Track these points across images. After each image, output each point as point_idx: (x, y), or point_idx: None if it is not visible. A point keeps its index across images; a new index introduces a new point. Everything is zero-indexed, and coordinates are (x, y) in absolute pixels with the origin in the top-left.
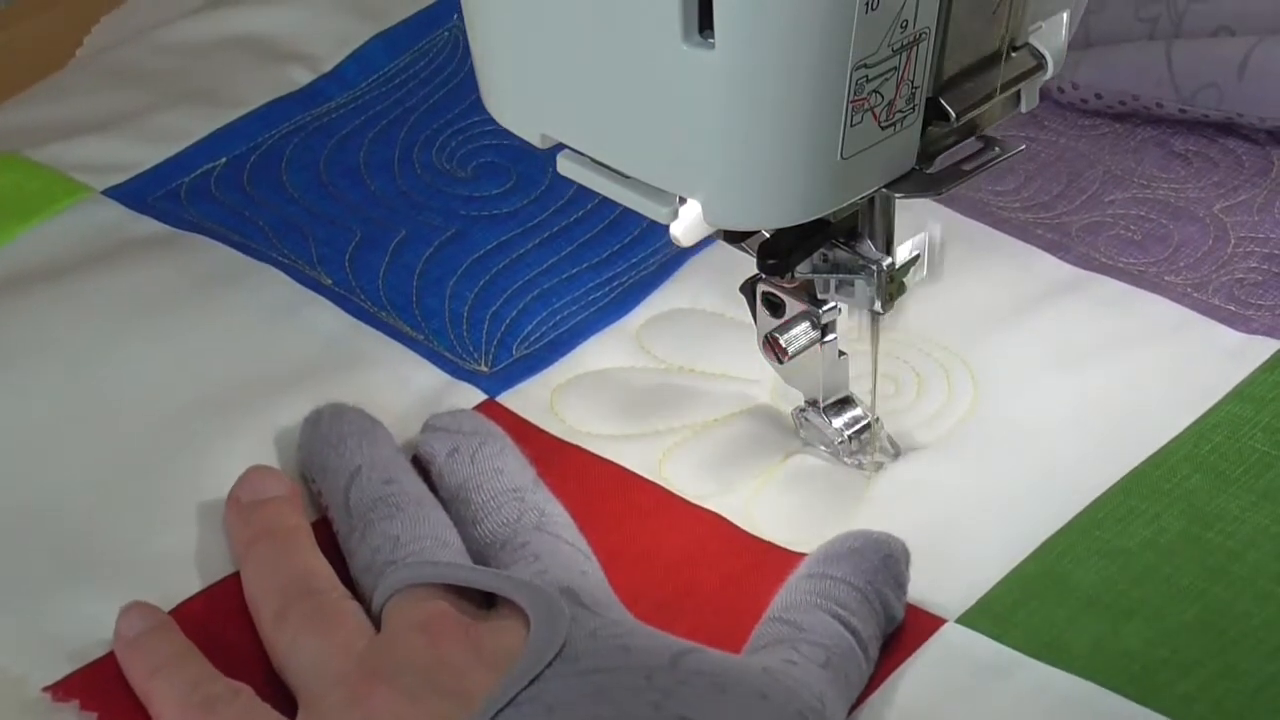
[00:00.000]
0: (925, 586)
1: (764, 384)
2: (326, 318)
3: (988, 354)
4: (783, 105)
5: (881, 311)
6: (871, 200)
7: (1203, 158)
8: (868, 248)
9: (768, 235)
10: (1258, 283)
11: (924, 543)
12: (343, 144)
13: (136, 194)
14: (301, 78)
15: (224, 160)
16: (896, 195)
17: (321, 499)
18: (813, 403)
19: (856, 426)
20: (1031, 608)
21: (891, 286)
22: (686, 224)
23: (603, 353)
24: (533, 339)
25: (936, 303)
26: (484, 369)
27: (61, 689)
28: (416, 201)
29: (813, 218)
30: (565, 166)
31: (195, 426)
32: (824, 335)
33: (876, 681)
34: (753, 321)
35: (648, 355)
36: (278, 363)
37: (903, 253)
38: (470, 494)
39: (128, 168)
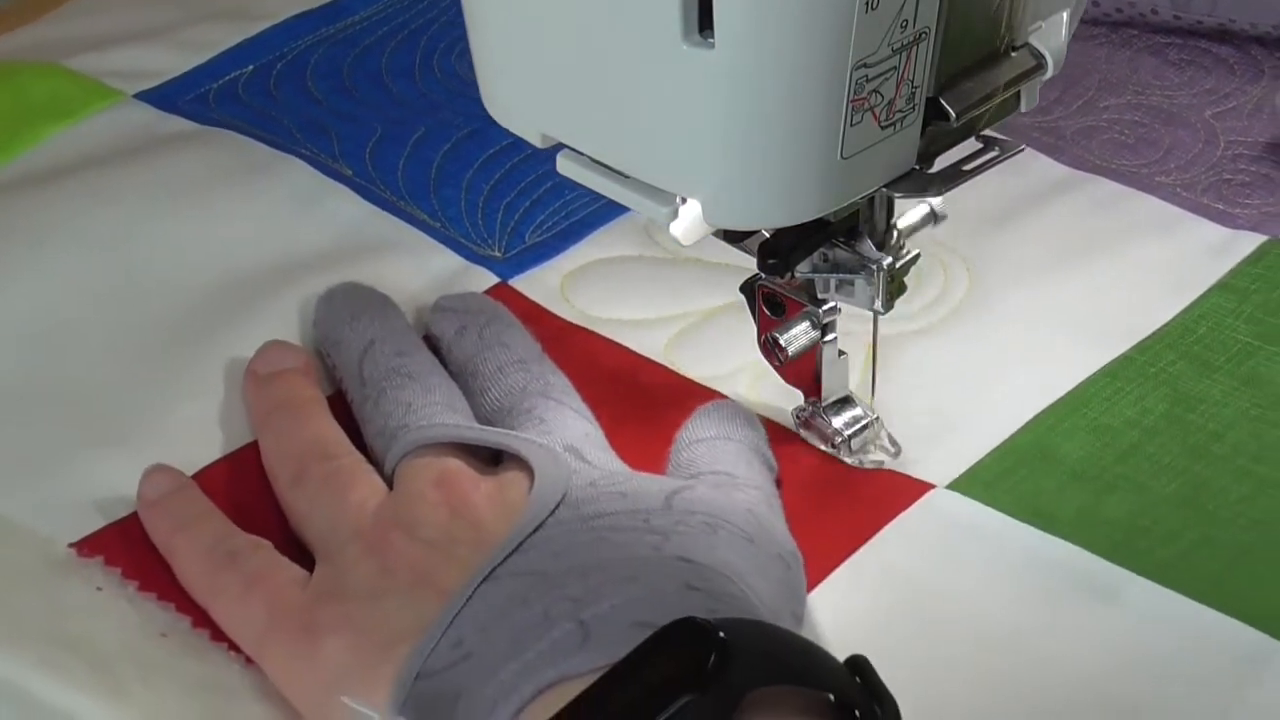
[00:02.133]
0: (916, 459)
1: None
2: (347, 205)
3: (983, 248)
4: (783, 105)
5: (882, 311)
6: (871, 200)
7: (1196, 65)
8: (868, 248)
9: (768, 235)
10: (1245, 183)
11: (917, 419)
12: (366, 52)
13: (167, 98)
14: None
15: (251, 68)
16: (896, 195)
17: (336, 372)
18: (813, 402)
19: (856, 426)
20: (1019, 476)
21: (892, 286)
22: (686, 224)
23: (613, 242)
24: (545, 227)
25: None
26: (498, 255)
27: (87, 545)
28: (436, 102)
29: (813, 218)
30: (565, 166)
31: (219, 305)
32: (824, 335)
33: (864, 537)
34: (753, 321)
35: (656, 245)
36: (300, 246)
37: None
38: (478, 365)
39: (158, 74)
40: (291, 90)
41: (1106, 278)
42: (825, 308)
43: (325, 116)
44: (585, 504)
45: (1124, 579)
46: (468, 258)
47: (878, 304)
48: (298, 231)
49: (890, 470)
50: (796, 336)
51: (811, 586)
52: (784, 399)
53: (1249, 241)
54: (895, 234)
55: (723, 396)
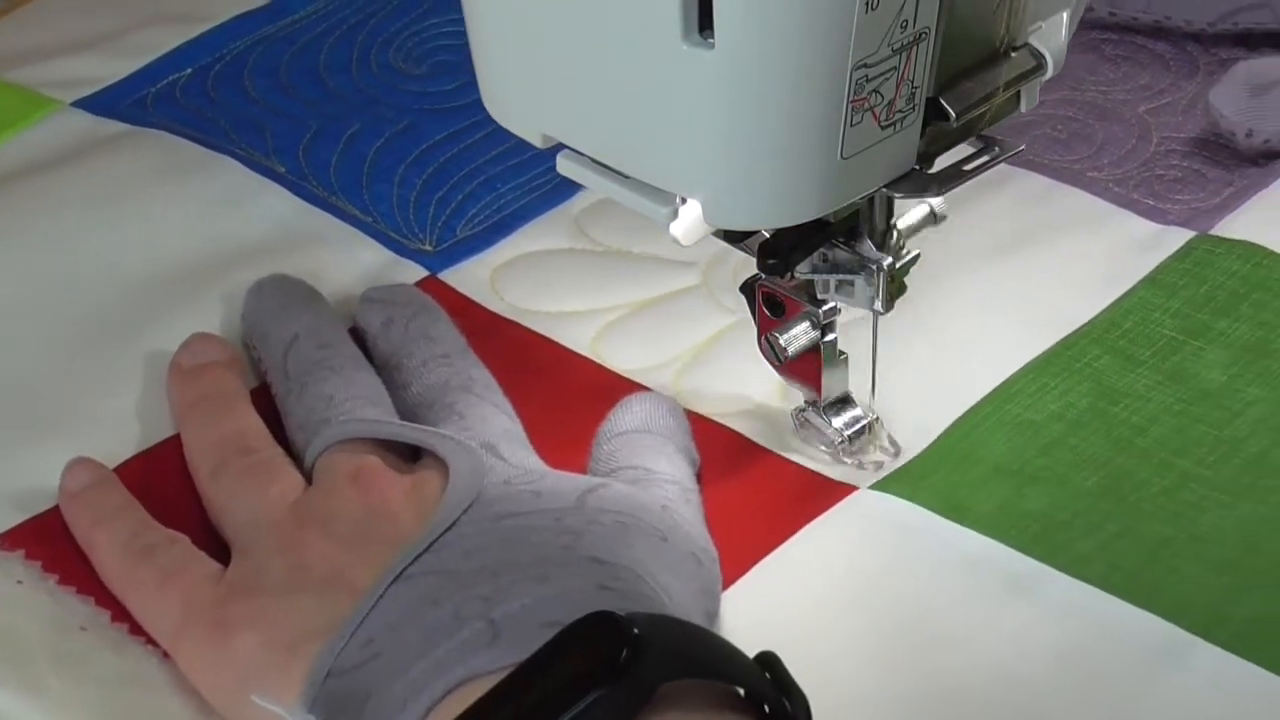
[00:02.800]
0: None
1: (697, 265)
2: (278, 202)
3: (913, 242)
4: (783, 105)
5: (882, 311)
6: (871, 200)
7: (1131, 61)
8: (868, 248)
9: (768, 235)
10: (1177, 179)
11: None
12: (304, 49)
13: (104, 104)
14: None
15: (189, 70)
16: (896, 195)
17: (261, 365)
18: (812, 403)
19: (856, 426)
20: (941, 474)
21: (892, 286)
22: (686, 224)
23: (543, 235)
24: (477, 221)
25: None
26: (428, 248)
27: (7, 539)
28: (371, 97)
29: (813, 218)
30: (565, 166)
31: (146, 300)
32: (824, 335)
33: (783, 535)
34: (753, 321)
35: (586, 238)
36: (230, 242)
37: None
38: (403, 360)
39: (97, 81)
40: (229, 90)
41: (1037, 272)
42: (825, 308)
43: (261, 114)
44: (499, 502)
45: (1042, 572)
46: (398, 252)
47: (878, 304)
48: (228, 228)
49: (816, 471)
50: (796, 336)
51: (729, 583)
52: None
53: (1178, 237)
54: (895, 234)
55: (648, 390)
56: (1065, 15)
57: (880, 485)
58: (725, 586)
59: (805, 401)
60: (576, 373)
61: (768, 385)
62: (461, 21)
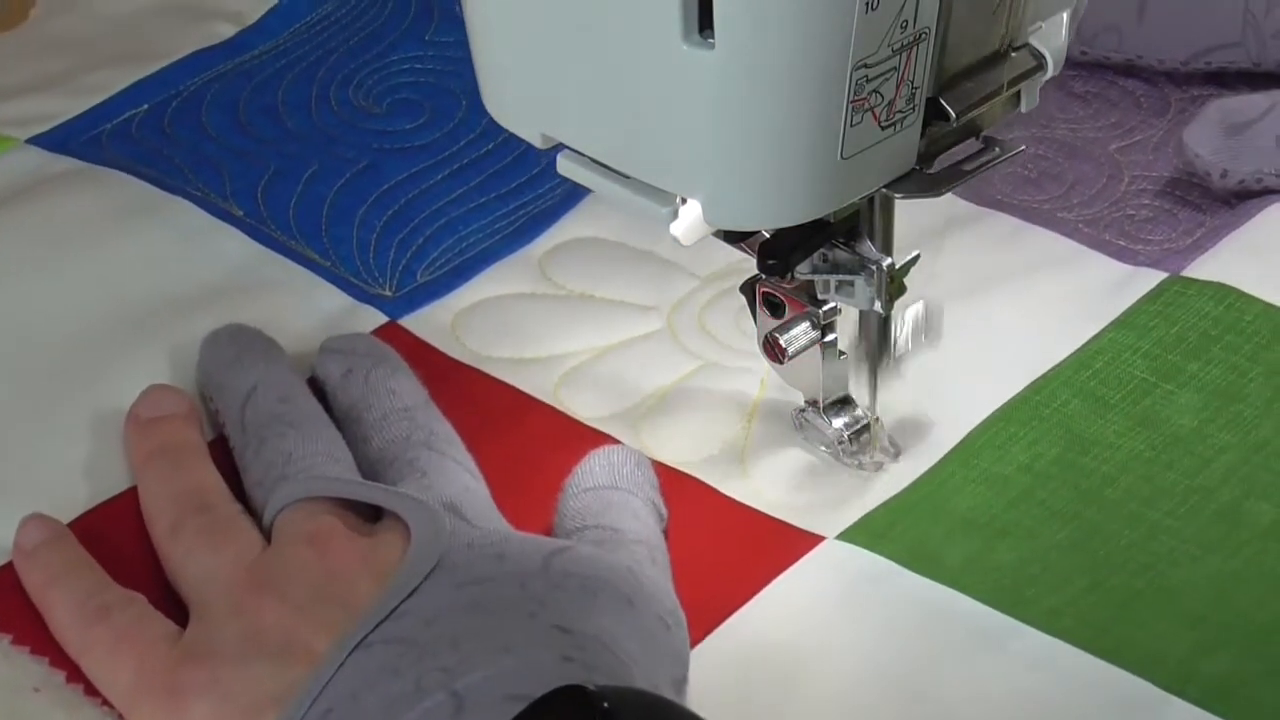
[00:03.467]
0: (806, 509)
1: (660, 310)
2: (235, 245)
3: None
4: (783, 105)
5: (882, 312)
6: (871, 200)
7: (1101, 99)
8: (868, 248)
9: (768, 235)
10: (1148, 219)
11: (806, 469)
12: (262, 86)
13: (59, 141)
14: (227, 31)
15: (145, 107)
16: (896, 195)
17: (218, 417)
18: (812, 403)
19: (856, 426)
20: (908, 526)
21: (892, 287)
22: (686, 224)
23: (505, 279)
24: (437, 265)
25: None
26: (388, 293)
27: None
28: (331, 136)
29: (813, 218)
30: (565, 166)
31: (100, 347)
32: (824, 335)
33: (753, 589)
34: (753, 321)
35: (549, 282)
36: (186, 287)
37: (909, 315)
38: (362, 413)
39: (52, 118)
40: (186, 128)
41: (1005, 315)
42: (825, 308)
43: (219, 153)
44: (461, 568)
45: (1011, 627)
46: (357, 297)
47: (878, 305)
48: (183, 272)
49: (781, 521)
50: (796, 337)
51: (697, 641)
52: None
53: (1149, 278)
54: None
55: (611, 439)
56: (1065, 15)
57: (847, 536)
58: (694, 644)
59: (805, 402)
60: (539, 421)
61: (732, 430)
62: (423, 59)
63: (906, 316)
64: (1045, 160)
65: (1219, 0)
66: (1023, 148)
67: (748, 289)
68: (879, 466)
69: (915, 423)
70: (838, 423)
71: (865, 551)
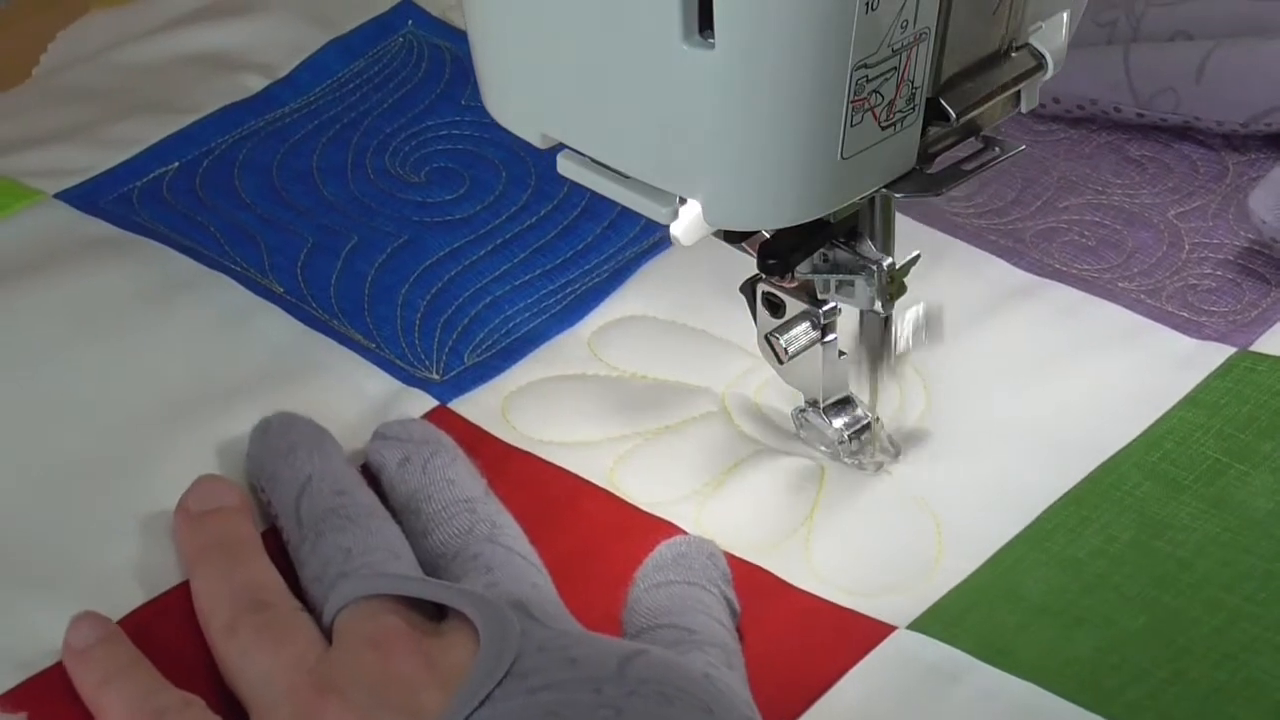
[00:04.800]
0: (874, 594)
1: (714, 391)
2: (278, 325)
3: (941, 361)
4: (783, 105)
5: (882, 312)
6: (871, 200)
7: (1158, 163)
8: (868, 248)
9: (768, 235)
10: (1211, 289)
11: (874, 553)
12: (295, 149)
13: (88, 197)
14: (255, 84)
15: (176, 165)
16: (896, 195)
17: (271, 509)
18: (813, 403)
19: (856, 426)
20: (981, 614)
21: (892, 287)
22: (686, 224)
23: (555, 360)
24: (485, 346)
25: None
26: (436, 376)
27: (10, 700)
28: (369, 207)
29: (813, 218)
30: (565, 166)
31: (144, 435)
32: (824, 335)
33: (825, 684)
34: (753, 321)
35: (600, 362)
36: (228, 371)
37: (908, 318)
38: (421, 504)
39: (80, 172)
40: (219, 192)
41: (1069, 393)
42: (825, 308)
43: (254, 223)
44: (533, 673)
45: None
46: (404, 380)
47: (878, 305)
48: (226, 354)
49: (851, 610)
50: (796, 337)
51: None
52: (784, 401)
53: (1217, 353)
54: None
55: (671, 525)
56: (1065, 15)
57: (918, 625)
58: None
59: (806, 402)
60: (596, 507)
61: (795, 515)
62: (459, 125)
63: (907, 317)
64: (1103, 227)
65: (1279, 61)
66: (1022, 147)
67: (748, 289)
68: (879, 466)
69: (982, 502)
70: (838, 423)
71: (938, 643)
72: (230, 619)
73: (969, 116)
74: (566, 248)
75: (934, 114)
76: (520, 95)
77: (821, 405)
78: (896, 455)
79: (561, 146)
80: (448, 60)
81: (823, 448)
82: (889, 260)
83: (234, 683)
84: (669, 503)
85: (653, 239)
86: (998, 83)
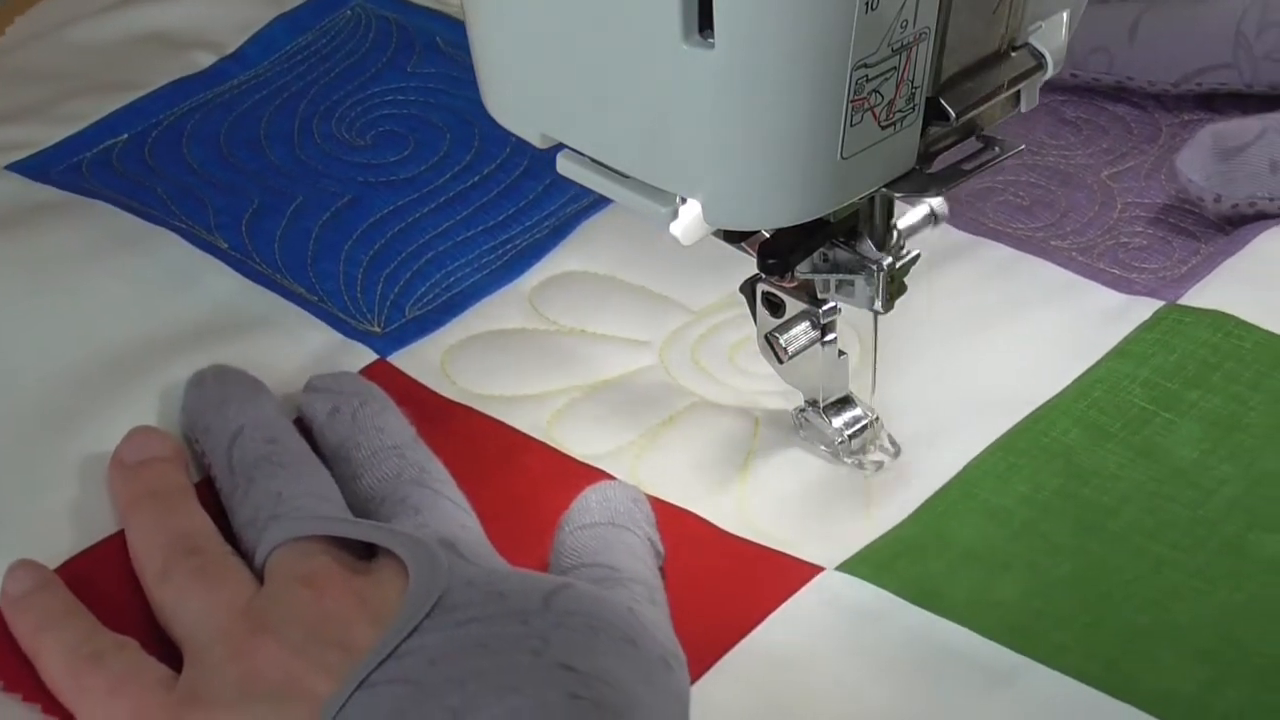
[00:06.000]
0: (804, 541)
1: (653, 345)
2: (221, 280)
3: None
4: (783, 105)
5: (882, 311)
6: (871, 200)
7: (1092, 125)
8: (868, 248)
9: (768, 235)
10: (1142, 246)
11: (806, 501)
12: (243, 117)
13: (39, 168)
14: (205, 60)
15: (126, 136)
16: (896, 195)
17: (205, 459)
18: (812, 403)
19: (856, 426)
20: (910, 558)
21: (892, 286)
22: (686, 224)
23: (495, 314)
24: (426, 300)
25: None
26: (377, 330)
27: None
28: (315, 169)
29: (813, 218)
30: (565, 166)
31: (85, 387)
32: (824, 335)
33: (753, 622)
34: (753, 321)
35: (540, 317)
36: (171, 324)
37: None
38: (351, 451)
39: (32, 145)
40: (167, 158)
41: (1001, 347)
42: (825, 308)
43: (201, 185)
44: (461, 606)
45: (1017, 664)
46: (346, 333)
47: (878, 304)
48: (169, 309)
49: (780, 552)
50: (796, 336)
51: (696, 677)
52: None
53: (1146, 307)
54: (895, 234)
55: (606, 475)
56: (1065, 15)
57: (847, 567)
58: (692, 682)
59: (805, 401)
60: (532, 459)
61: (729, 464)
62: (405, 90)
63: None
64: (1038, 188)
65: (1210, 21)
66: (1022, 146)
67: (748, 289)
68: (879, 466)
69: (913, 452)
70: (838, 422)
71: (866, 584)
72: (164, 565)
73: (969, 116)
74: (508, 205)
75: (934, 114)
76: (520, 95)
77: (821, 405)
78: (896, 454)
79: (561, 146)
80: (394, 30)
81: (822, 447)
82: (889, 260)
83: (169, 626)
84: (605, 455)
85: (593, 196)
86: (997, 82)
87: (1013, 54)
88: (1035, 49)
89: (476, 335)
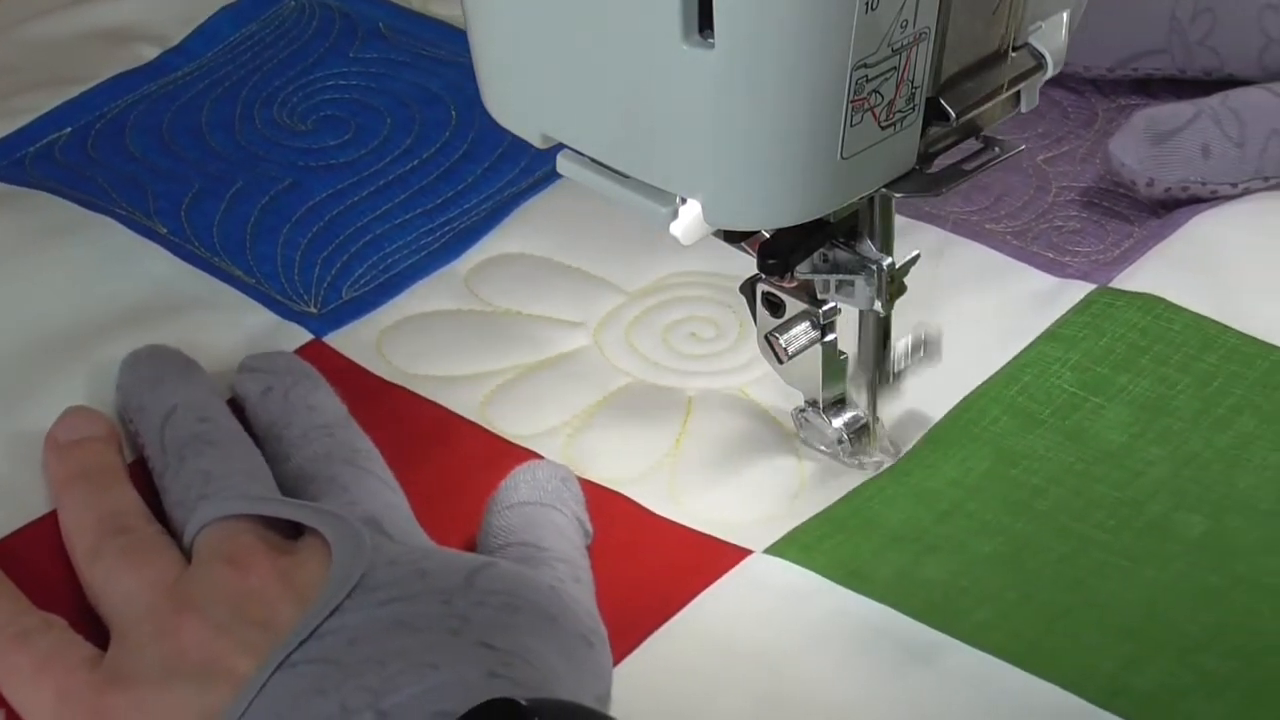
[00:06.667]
0: (733, 524)
1: (587, 326)
2: (160, 264)
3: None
4: (783, 105)
5: (882, 312)
6: (871, 200)
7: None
8: (868, 248)
9: (768, 235)
10: (1076, 230)
11: (737, 484)
12: (186, 107)
13: None
14: (149, 54)
15: (69, 130)
16: (896, 195)
17: (138, 439)
18: (812, 403)
19: (856, 426)
20: (838, 540)
21: (892, 287)
22: (686, 224)
23: (431, 296)
24: (363, 282)
25: None
26: (313, 311)
27: None
28: (255, 155)
29: (813, 218)
30: (565, 166)
31: (20, 370)
32: (824, 335)
33: (680, 603)
34: (753, 321)
35: (475, 299)
36: (107, 306)
37: (900, 348)
38: (282, 430)
39: None
40: (109, 149)
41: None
42: (825, 308)
43: (142, 173)
44: (384, 586)
45: (940, 642)
46: (282, 314)
47: (878, 304)
48: (106, 292)
49: (709, 535)
50: (796, 336)
51: (620, 658)
52: (784, 399)
53: (1078, 290)
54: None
55: (538, 456)
56: (1065, 15)
57: (775, 550)
58: (617, 662)
59: (805, 401)
60: (465, 440)
61: (661, 447)
62: (346, 75)
63: (907, 339)
64: None
65: (1145, 7)
66: (1022, 147)
67: (748, 289)
68: (879, 466)
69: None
70: (838, 422)
71: (794, 566)
72: (94, 544)
73: (969, 116)
74: (447, 188)
75: (934, 114)
76: (520, 95)
77: (821, 405)
78: (896, 455)
79: (561, 146)
80: (337, 18)
81: (822, 447)
82: (889, 260)
83: (98, 605)
84: (538, 436)
85: (531, 179)
86: (997, 83)
87: (1013, 54)
88: (1035, 49)
89: (412, 316)
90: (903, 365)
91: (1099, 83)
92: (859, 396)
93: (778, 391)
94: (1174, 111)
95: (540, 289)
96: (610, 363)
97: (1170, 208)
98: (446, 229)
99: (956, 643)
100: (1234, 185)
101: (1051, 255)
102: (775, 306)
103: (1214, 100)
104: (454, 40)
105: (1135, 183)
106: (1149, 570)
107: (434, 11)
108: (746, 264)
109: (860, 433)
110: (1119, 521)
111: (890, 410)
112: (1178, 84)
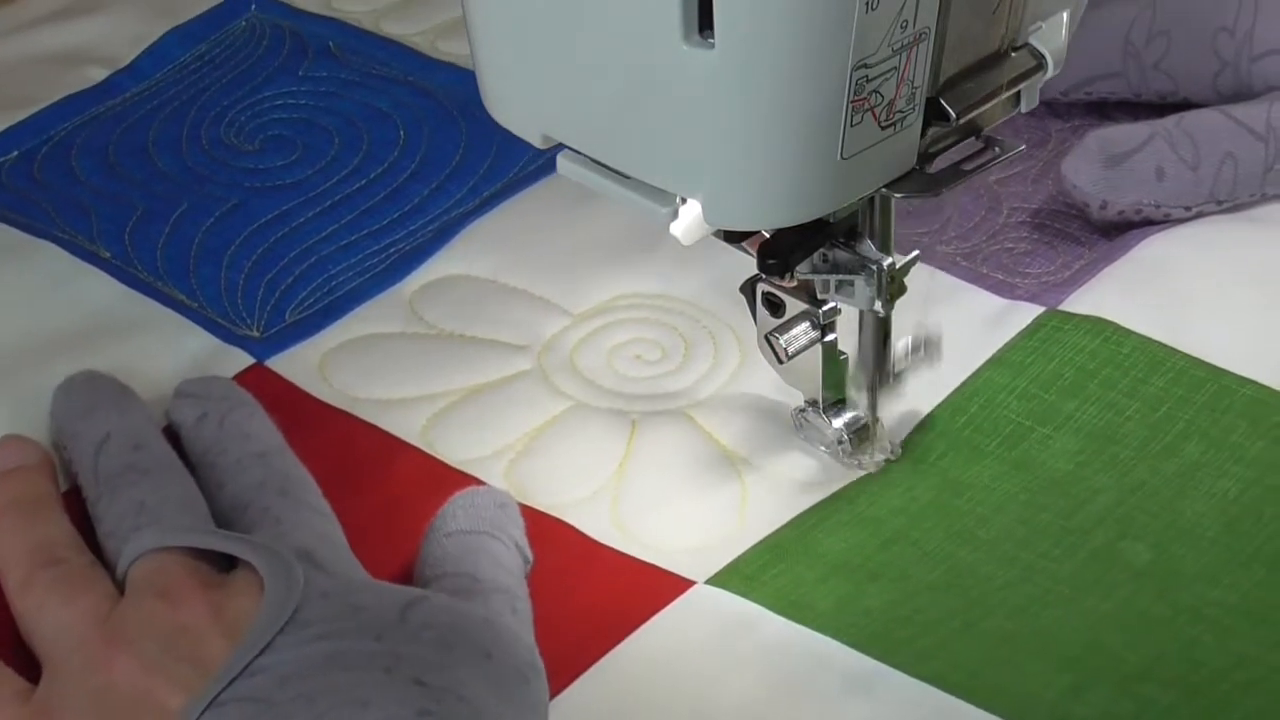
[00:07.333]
0: (675, 552)
1: (531, 350)
2: (100, 288)
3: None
4: (783, 105)
5: (882, 312)
6: (871, 200)
7: None
8: (868, 248)
9: (768, 235)
10: (1026, 251)
11: (679, 511)
12: (133, 128)
13: None
14: (98, 75)
15: (15, 154)
16: (896, 195)
17: (72, 467)
18: (812, 403)
19: (856, 427)
20: (780, 569)
21: (892, 287)
22: (686, 224)
23: (375, 318)
24: (306, 304)
25: (705, 271)
26: (256, 334)
27: None
28: (201, 175)
29: (813, 218)
30: (565, 166)
31: None
32: (824, 335)
33: (621, 635)
34: (753, 321)
35: (419, 321)
36: (44, 332)
37: (900, 348)
38: (216, 458)
39: None
40: (55, 172)
41: None
42: (825, 308)
43: (87, 196)
44: (316, 621)
45: (879, 670)
46: (224, 338)
47: (878, 304)
48: (44, 317)
49: (652, 565)
50: (796, 337)
51: (559, 690)
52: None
53: (1027, 313)
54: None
55: (480, 482)
56: (1065, 15)
57: (717, 580)
58: (556, 694)
59: (805, 401)
60: (406, 464)
61: (604, 472)
62: (296, 95)
63: (907, 339)
64: None
65: (1099, 30)
66: (1022, 147)
67: (748, 289)
68: (879, 466)
69: (790, 461)
70: (837, 423)
71: (736, 597)
72: (26, 575)
73: (969, 116)
74: (393, 209)
75: (934, 114)
76: (520, 95)
77: (821, 405)
78: (896, 455)
79: (561, 146)
80: (287, 38)
81: (822, 448)
82: (889, 260)
83: (29, 637)
84: (480, 460)
85: (478, 200)
86: (997, 83)
87: (1013, 54)
88: (1035, 49)
89: (355, 339)
90: (903, 365)
91: (1052, 104)
92: (859, 397)
93: (722, 415)
94: (1127, 133)
95: (485, 312)
96: (554, 386)
97: (1122, 229)
98: (392, 250)
99: (897, 673)
100: (1187, 209)
101: (1002, 277)
102: (775, 306)
103: (1168, 122)
104: (405, 59)
105: (1088, 205)
106: (1092, 599)
107: (385, 30)
108: (693, 287)
109: (860, 433)
110: (1064, 550)
111: (890, 410)
112: (1132, 107)
